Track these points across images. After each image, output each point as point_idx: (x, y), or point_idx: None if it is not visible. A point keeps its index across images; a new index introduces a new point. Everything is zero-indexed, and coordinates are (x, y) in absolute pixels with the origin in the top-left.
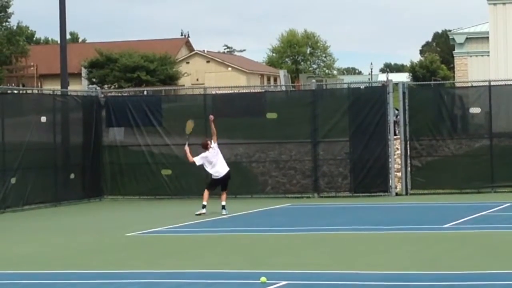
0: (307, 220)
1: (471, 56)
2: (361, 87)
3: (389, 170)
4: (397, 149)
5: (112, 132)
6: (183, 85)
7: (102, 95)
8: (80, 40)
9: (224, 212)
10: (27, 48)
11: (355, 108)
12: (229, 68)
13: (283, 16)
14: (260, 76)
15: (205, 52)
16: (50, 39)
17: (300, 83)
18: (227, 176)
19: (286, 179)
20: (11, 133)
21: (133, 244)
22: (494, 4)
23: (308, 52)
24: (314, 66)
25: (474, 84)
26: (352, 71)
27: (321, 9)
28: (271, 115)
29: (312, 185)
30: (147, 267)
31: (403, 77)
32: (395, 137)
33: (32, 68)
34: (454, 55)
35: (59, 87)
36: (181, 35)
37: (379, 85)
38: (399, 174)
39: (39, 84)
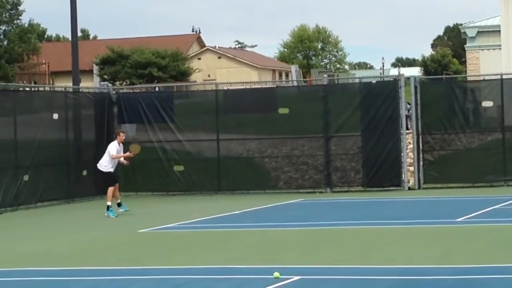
0: (320, 215)
1: (482, 49)
2: (373, 81)
3: (402, 164)
4: (409, 143)
5: (124, 129)
6: (195, 81)
7: (114, 92)
8: (91, 37)
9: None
10: (39, 46)
11: (367, 103)
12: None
13: (294, 12)
14: (271, 72)
15: (217, 48)
16: (61, 36)
17: (311, 78)
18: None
19: (299, 174)
20: (24, 130)
21: (146, 240)
22: None
23: (319, 47)
24: (326, 61)
25: (486, 77)
26: (363, 65)
27: (332, 4)
28: (283, 110)
29: (325, 180)
30: (159, 263)
31: (415, 72)
32: (407, 131)
33: (43, 65)
34: (466, 49)
35: (71, 84)
36: (192, 31)
37: (391, 79)
38: (411, 168)
39: (51, 82)
